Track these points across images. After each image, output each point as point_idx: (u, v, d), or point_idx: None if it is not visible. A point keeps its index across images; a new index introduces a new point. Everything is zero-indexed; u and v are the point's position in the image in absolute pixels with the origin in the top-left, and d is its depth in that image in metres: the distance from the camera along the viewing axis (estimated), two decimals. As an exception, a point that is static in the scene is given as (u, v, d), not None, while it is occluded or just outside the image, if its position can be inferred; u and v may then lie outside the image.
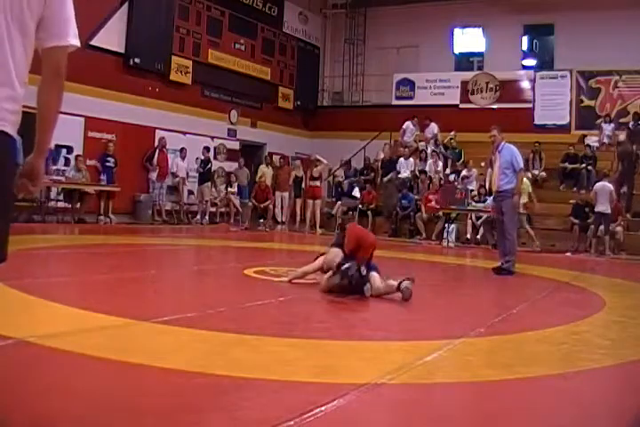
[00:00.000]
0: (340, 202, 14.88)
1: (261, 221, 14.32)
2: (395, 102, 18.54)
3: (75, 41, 1.81)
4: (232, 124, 16.91)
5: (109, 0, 13.45)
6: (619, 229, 11.81)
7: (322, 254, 5.36)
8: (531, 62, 18.57)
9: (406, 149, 15.89)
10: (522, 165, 7.55)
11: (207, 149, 15.31)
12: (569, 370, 2.97)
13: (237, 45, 16.76)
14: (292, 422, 2.02)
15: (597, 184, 11.93)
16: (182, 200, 14.65)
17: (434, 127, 16.35)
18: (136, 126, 13.96)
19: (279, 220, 15.01)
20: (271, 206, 14.22)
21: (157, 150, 14.21)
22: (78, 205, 12.14)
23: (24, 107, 1.75)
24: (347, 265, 4.72)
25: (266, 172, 15.54)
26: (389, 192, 14.68)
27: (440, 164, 15.20)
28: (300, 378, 2.57)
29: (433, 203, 13.54)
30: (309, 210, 14.58)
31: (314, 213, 14.45)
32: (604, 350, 3.43)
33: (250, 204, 14.27)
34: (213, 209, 15.13)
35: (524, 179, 13.04)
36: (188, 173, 14.78)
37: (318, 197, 14.61)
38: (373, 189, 14.82)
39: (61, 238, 9.45)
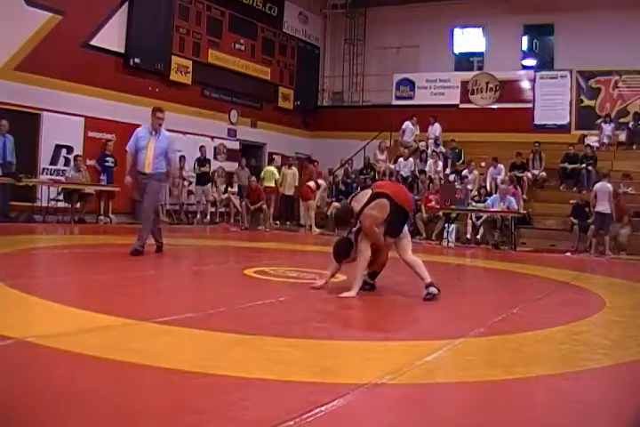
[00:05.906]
0: (335, 203, 14.82)
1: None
2: (395, 102, 18.55)
3: None
4: (232, 124, 16.91)
5: (109, 0, 13.46)
6: (625, 231, 11.64)
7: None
8: (531, 62, 18.58)
9: (406, 150, 15.88)
10: (176, 155, 8.43)
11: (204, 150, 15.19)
12: (569, 370, 2.96)
13: (237, 45, 16.77)
14: (291, 422, 2.02)
15: (597, 184, 11.92)
16: (181, 200, 14.64)
17: (437, 128, 16.33)
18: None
19: (302, 222, 15.02)
20: (264, 207, 14.16)
21: None
22: (78, 205, 12.15)
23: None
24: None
25: (287, 173, 15.41)
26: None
27: (440, 164, 15.20)
28: (300, 378, 2.57)
29: (433, 203, 13.53)
30: (303, 210, 14.60)
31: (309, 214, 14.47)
32: (603, 350, 3.43)
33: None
34: (213, 209, 15.12)
35: (272, 168, 14.77)
36: (184, 175, 14.73)
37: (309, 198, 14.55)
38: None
39: (61, 238, 9.44)
